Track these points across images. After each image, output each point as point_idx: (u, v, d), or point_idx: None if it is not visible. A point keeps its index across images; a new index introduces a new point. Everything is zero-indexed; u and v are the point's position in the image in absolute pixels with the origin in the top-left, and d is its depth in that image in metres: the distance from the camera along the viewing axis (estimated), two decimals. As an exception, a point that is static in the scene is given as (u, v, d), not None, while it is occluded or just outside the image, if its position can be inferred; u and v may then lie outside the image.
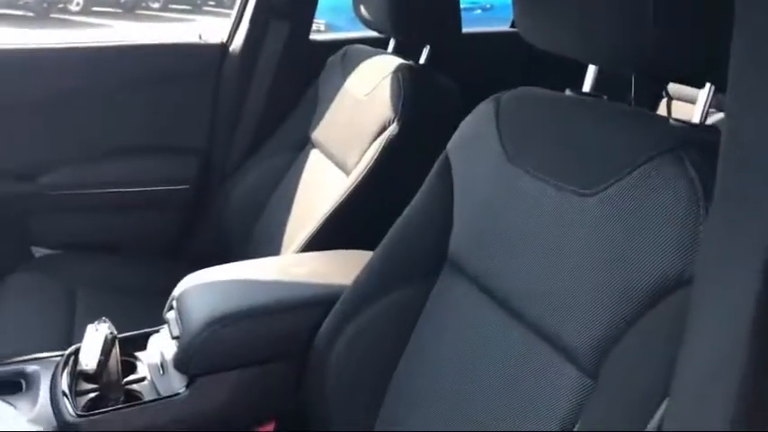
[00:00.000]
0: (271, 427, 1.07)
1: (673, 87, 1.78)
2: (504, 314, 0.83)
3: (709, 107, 0.75)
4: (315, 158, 1.56)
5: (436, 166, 1.01)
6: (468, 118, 0.97)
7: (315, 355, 1.03)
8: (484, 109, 0.94)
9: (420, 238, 1.00)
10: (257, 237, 1.58)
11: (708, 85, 0.74)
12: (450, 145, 1.00)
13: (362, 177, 1.33)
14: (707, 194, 0.62)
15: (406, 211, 1.04)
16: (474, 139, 0.95)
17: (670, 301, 0.63)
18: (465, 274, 0.91)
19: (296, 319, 1.07)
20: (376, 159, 1.32)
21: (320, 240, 1.34)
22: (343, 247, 1.24)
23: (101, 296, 1.49)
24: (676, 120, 0.73)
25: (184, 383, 1.04)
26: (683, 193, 0.64)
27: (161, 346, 1.11)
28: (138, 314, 1.19)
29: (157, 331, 1.16)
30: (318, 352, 1.03)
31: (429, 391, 0.89)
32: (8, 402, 1.02)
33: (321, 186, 1.47)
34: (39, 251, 1.74)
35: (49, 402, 1.02)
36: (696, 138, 0.68)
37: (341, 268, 1.13)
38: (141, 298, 1.37)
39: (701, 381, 0.50)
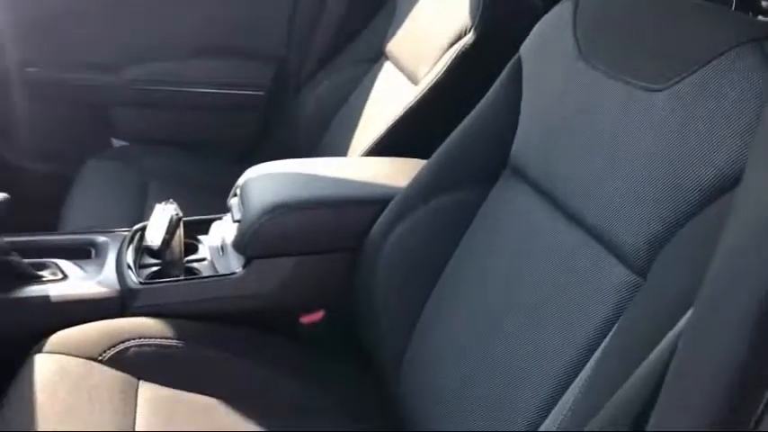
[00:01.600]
0: (319, 316, 1.10)
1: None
2: (560, 216, 0.81)
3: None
4: (387, 70, 1.55)
5: (507, 69, 0.99)
6: (546, 17, 0.94)
7: (367, 250, 1.05)
8: (562, 7, 0.91)
9: (481, 142, 0.99)
10: (326, 144, 1.60)
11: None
12: (523, 47, 0.97)
13: (431, 87, 1.31)
14: (785, 89, 0.59)
15: (470, 116, 1.02)
16: (549, 38, 0.92)
17: (728, 199, 0.60)
18: (525, 177, 0.90)
19: (351, 214, 1.09)
20: (447, 69, 1.29)
21: (383, 147, 1.34)
22: (406, 156, 1.24)
23: (172, 188, 1.54)
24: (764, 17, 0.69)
25: (241, 264, 1.08)
26: (758, 86, 0.60)
27: (222, 231, 1.15)
28: (205, 207, 1.23)
29: (220, 218, 1.20)
30: (371, 247, 1.04)
31: (477, 288, 0.89)
32: (78, 265, 1.09)
33: (390, 97, 1.45)
34: (117, 142, 1.81)
35: (114, 270, 1.08)
36: (782, 31, 0.64)
37: (400, 173, 1.14)
38: (210, 194, 1.40)
39: (723, 285, 0.48)
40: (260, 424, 0.92)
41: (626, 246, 0.69)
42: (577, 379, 0.69)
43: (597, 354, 0.67)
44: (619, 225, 0.71)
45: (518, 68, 0.96)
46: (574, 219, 0.79)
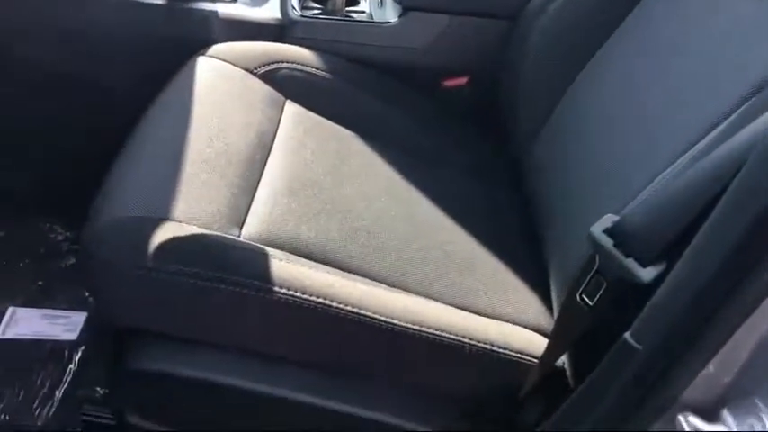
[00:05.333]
0: (463, 81, 1.10)
1: None
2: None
3: None
4: None
5: None
6: None
7: (524, 19, 1.02)
8: None
9: None
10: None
11: None
12: None
13: None
14: None
15: None
16: None
17: None
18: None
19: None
20: None
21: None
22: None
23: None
24: None
25: (397, 15, 1.08)
26: None
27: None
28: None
29: None
30: (528, 17, 1.01)
31: (630, 62, 0.85)
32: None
33: None
34: None
35: (279, 3, 1.12)
36: None
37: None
38: None
39: None
40: (389, 163, 0.96)
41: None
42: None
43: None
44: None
45: None
46: None
